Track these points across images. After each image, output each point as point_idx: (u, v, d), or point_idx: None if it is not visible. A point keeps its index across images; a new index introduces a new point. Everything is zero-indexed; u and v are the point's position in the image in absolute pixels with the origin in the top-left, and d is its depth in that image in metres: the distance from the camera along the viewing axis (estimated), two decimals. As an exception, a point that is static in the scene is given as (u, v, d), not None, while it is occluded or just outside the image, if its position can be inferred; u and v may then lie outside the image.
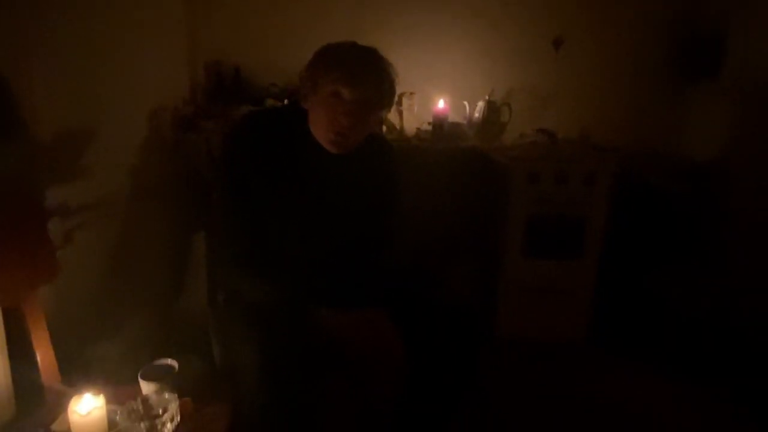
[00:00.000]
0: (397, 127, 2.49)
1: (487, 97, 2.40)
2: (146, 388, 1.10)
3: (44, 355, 1.10)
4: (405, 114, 2.49)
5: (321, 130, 1.20)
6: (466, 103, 2.44)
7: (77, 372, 1.23)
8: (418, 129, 2.43)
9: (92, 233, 1.57)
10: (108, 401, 1.04)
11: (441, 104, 2.32)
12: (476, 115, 2.41)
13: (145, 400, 1.06)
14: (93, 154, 1.61)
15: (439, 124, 2.30)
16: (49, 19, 1.40)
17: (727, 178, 2.35)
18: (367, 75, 1.16)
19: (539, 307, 2.33)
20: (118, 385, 1.12)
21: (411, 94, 2.47)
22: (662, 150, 2.61)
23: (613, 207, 2.23)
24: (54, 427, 1.05)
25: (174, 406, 1.04)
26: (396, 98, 1.29)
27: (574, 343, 2.30)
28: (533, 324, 2.34)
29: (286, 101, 2.30)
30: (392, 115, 2.50)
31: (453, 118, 2.43)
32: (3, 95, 1.23)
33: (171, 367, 1.14)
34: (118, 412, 1.02)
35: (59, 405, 1.07)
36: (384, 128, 2.39)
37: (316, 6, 2.45)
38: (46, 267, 1.14)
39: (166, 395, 1.06)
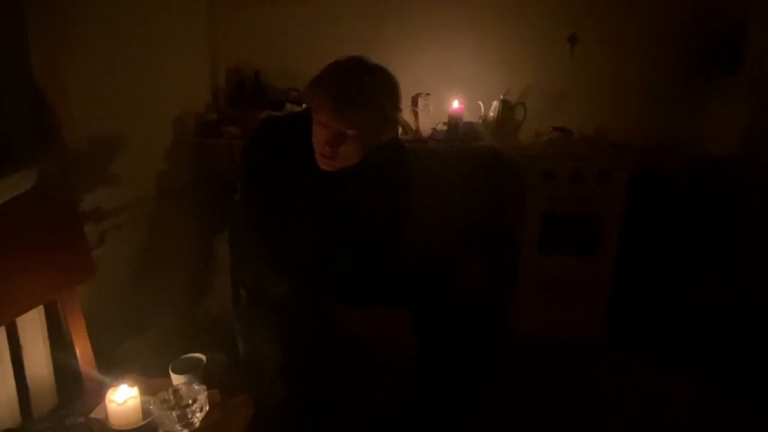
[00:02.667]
0: (413, 127, 2.53)
1: (501, 97, 2.43)
2: (177, 380, 1.17)
3: (82, 349, 1.18)
4: (420, 114, 2.53)
5: (315, 148, 1.23)
6: (480, 102, 2.47)
7: (112, 365, 1.31)
8: (433, 129, 2.47)
9: (123, 235, 1.65)
10: (142, 392, 1.12)
11: (455, 104, 2.36)
12: (491, 114, 2.44)
13: (176, 391, 1.13)
14: (123, 160, 1.69)
15: (454, 124, 2.34)
16: (81, 31, 1.48)
17: (745, 174, 2.33)
18: (351, 109, 1.12)
19: (556, 304, 2.34)
20: (150, 377, 1.20)
21: (426, 95, 2.51)
22: (679, 147, 2.60)
23: (630, 204, 2.23)
24: (93, 415, 1.13)
25: (203, 397, 1.10)
26: (400, 114, 1.28)
27: (592, 340, 2.31)
28: (551, 321, 2.35)
29: (304, 105, 2.37)
30: (408, 116, 2.55)
31: (468, 117, 2.46)
32: (40, 104, 1.32)
33: (200, 360, 1.21)
34: (152, 402, 1.09)
35: (97, 395, 1.15)
36: (399, 129, 2.43)
37: (333, 11, 2.50)
38: (83, 266, 1.21)
39: (195, 386, 1.13)
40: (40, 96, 1.31)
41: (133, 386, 1.10)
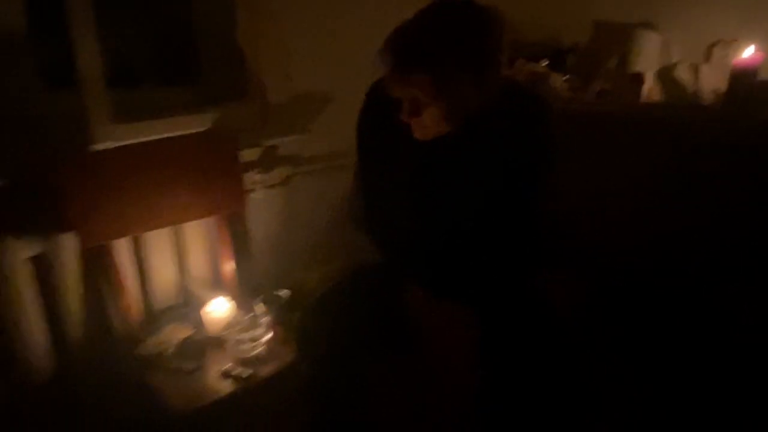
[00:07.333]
0: (690, 89, 1.84)
1: None
2: (258, 309, 1.33)
3: (225, 260, 1.48)
4: (710, 72, 1.81)
5: None
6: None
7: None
8: (715, 92, 1.73)
9: (308, 181, 1.87)
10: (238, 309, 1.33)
11: (749, 52, 1.57)
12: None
13: (253, 318, 1.28)
14: (324, 115, 1.88)
15: (737, 84, 1.57)
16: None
17: None
18: (407, 70, 0.93)
19: None
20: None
21: (732, 41, 1.76)
22: None
23: None
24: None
25: (261, 332, 1.22)
26: (501, 67, 0.98)
27: None
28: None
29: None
30: (687, 73, 1.87)
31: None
32: (241, 65, 1.63)
33: (278, 297, 1.33)
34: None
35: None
36: (660, 90, 1.83)
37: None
38: (234, 200, 1.50)
39: (264, 320, 1.25)
40: (239, 58, 1.61)
41: (231, 301, 1.32)
